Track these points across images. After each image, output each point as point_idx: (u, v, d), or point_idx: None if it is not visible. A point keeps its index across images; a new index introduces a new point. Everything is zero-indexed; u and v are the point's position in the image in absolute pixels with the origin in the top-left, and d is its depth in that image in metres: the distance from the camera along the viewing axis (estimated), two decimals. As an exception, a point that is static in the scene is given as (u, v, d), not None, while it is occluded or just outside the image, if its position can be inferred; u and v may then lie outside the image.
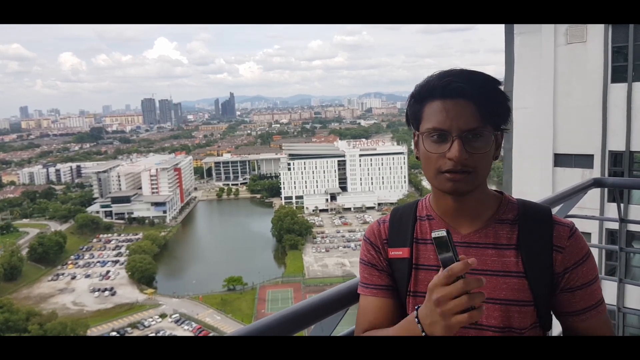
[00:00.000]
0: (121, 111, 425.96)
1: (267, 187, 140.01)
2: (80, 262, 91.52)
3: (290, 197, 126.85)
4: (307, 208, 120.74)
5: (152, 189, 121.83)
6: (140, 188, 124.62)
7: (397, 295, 1.49)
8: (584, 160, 13.93)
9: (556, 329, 1.57)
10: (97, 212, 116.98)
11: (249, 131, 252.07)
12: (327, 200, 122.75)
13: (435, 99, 1.34)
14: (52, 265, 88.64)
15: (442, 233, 1.11)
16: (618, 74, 13.19)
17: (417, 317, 1.19)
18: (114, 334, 63.55)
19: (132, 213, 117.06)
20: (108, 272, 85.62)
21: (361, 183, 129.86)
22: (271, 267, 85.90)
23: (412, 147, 1.47)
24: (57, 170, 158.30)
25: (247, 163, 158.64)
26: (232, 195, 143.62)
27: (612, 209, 12.78)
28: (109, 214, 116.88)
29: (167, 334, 62.00)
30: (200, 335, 58.66)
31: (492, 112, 1.34)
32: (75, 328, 60.30)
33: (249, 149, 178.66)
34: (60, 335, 50.27)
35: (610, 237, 12.67)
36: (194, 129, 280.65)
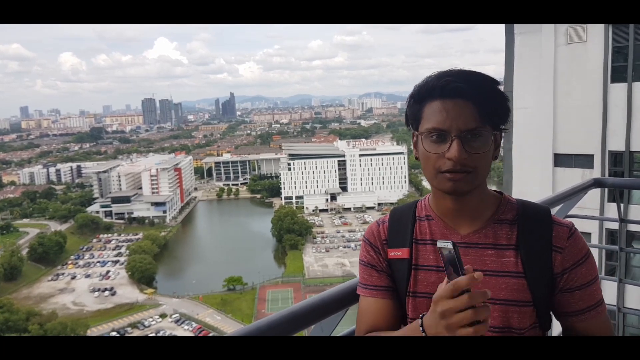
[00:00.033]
0: (121, 111, 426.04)
1: (267, 187, 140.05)
2: (80, 262, 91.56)
3: (290, 197, 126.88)
4: (307, 208, 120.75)
5: (152, 189, 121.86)
6: (141, 188, 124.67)
7: (396, 296, 1.49)
8: (584, 160, 13.93)
9: (556, 329, 1.57)
10: (97, 212, 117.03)
11: (249, 131, 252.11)
12: (327, 200, 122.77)
13: (435, 99, 1.34)
14: (52, 265, 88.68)
15: (449, 245, 1.11)
16: (618, 74, 13.19)
17: (422, 325, 1.20)
18: (114, 334, 63.56)
19: (132, 213, 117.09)
20: (108, 272, 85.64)
21: (361, 183, 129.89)
22: (271, 267, 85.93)
23: (412, 147, 1.47)
24: (57, 170, 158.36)
25: (247, 163, 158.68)
26: (232, 195, 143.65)
27: (612, 209, 12.78)
28: (109, 214, 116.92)
29: (167, 334, 62.01)
30: (200, 335, 58.69)
31: (491, 112, 1.34)
32: (75, 328, 60.31)
33: (249, 149, 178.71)
34: (60, 335, 50.29)
35: (610, 237, 12.67)
36: (194, 129, 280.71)
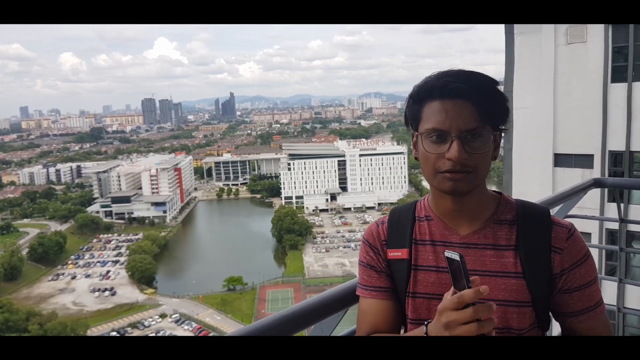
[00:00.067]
0: (121, 111, 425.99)
1: (267, 187, 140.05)
2: (81, 262, 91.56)
3: (291, 197, 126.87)
4: (307, 208, 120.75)
5: (152, 189, 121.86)
6: (141, 188, 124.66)
7: (396, 297, 1.49)
8: (584, 160, 13.93)
9: (555, 329, 1.57)
10: (97, 212, 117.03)
11: (249, 131, 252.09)
12: (327, 200, 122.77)
13: (434, 99, 1.34)
14: (52, 265, 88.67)
15: (456, 257, 1.11)
16: (618, 74, 13.19)
17: (426, 333, 1.21)
18: (114, 334, 63.55)
19: (132, 213, 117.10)
20: (108, 272, 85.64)
21: (361, 183, 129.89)
22: (271, 267, 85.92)
23: (411, 147, 1.47)
24: (57, 170, 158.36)
25: (247, 163, 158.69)
26: (232, 195, 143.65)
27: (612, 209, 12.78)
28: (109, 214, 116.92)
29: (167, 334, 62.01)
30: (200, 335, 58.68)
31: (491, 113, 1.34)
32: (75, 328, 60.32)
33: (249, 149, 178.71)
34: (60, 335, 50.29)
35: (610, 237, 12.67)
36: (194, 129, 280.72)
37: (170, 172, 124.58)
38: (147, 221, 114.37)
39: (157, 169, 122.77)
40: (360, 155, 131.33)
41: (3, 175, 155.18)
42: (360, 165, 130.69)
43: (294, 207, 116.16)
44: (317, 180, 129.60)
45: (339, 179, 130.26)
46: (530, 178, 14.72)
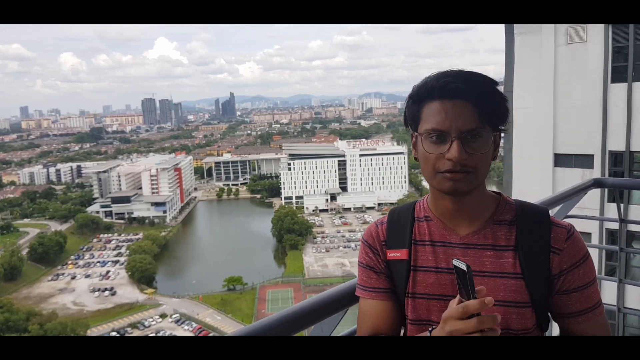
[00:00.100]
0: (121, 111, 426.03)
1: (267, 187, 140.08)
2: (81, 262, 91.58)
3: (291, 197, 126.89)
4: (307, 208, 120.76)
5: (152, 189, 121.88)
6: (141, 188, 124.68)
7: (396, 298, 1.49)
8: (584, 160, 13.93)
9: (555, 329, 1.57)
10: (97, 212, 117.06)
11: (249, 131, 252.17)
12: (327, 200, 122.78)
13: (434, 99, 1.34)
14: (52, 265, 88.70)
15: (463, 267, 1.12)
16: (618, 74, 13.19)
17: None
18: (114, 334, 63.56)
19: (132, 213, 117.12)
20: (108, 272, 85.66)
21: (361, 183, 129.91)
22: (271, 267, 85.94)
23: (411, 147, 1.47)
24: (57, 170, 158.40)
25: (247, 163, 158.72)
26: (232, 196, 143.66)
27: (612, 209, 12.78)
28: (109, 214, 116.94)
29: (167, 334, 62.02)
30: (200, 335, 58.69)
31: (491, 113, 1.34)
32: (75, 328, 60.33)
33: (249, 149, 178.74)
34: (60, 335, 50.30)
35: (610, 238, 12.67)
36: (194, 129, 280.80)
37: (170, 172, 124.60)
38: (147, 221, 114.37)
39: (157, 169, 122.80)
40: (360, 155, 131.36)
41: (3, 175, 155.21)
42: (360, 166, 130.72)
43: (294, 207, 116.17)
44: (317, 181, 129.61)
45: (339, 179, 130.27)
46: (530, 178, 14.72)
